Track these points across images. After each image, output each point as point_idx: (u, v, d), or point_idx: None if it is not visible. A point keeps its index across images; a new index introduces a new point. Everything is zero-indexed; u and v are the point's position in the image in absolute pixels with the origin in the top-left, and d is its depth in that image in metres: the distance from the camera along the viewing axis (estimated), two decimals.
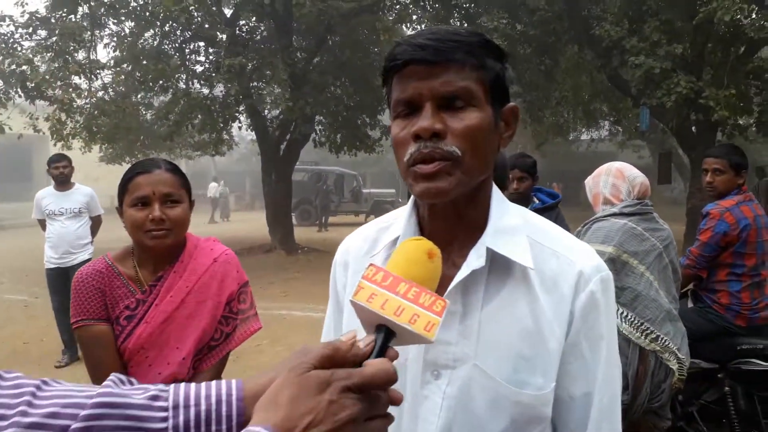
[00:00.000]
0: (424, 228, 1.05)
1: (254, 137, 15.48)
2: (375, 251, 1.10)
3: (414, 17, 14.39)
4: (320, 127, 15.50)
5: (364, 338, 0.76)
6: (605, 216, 2.86)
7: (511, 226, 1.01)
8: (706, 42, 10.78)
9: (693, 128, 11.46)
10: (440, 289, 0.90)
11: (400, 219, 1.09)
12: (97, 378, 1.81)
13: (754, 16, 10.08)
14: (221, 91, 13.93)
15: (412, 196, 1.10)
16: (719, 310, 3.38)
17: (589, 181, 3.06)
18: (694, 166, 11.69)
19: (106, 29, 14.22)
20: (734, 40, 10.75)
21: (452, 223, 1.01)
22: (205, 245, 1.97)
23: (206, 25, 13.65)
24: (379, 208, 23.38)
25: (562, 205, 3.69)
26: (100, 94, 14.01)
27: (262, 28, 14.89)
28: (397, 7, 14.22)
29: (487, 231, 0.99)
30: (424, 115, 0.92)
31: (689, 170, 12.94)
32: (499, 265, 0.98)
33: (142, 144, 16.67)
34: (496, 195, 1.04)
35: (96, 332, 1.81)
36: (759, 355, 3.23)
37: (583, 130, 21.56)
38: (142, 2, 13.25)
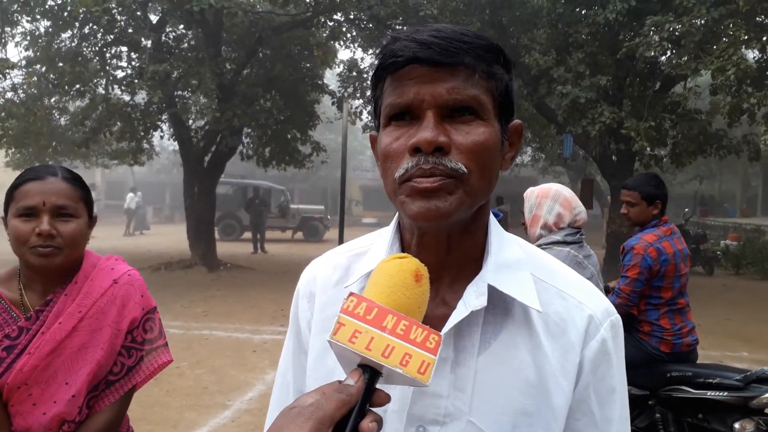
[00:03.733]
0: None
1: (176, 147, 14.88)
2: (348, 282, 0.93)
3: (348, 35, 14.36)
4: (248, 140, 15.13)
5: (350, 374, 0.68)
6: (548, 244, 2.82)
7: (513, 261, 0.87)
8: (626, 76, 11.35)
9: (613, 157, 12.00)
10: None
11: (378, 245, 0.94)
12: None
13: (669, 54, 10.74)
14: (143, 99, 13.37)
15: (394, 220, 0.94)
16: (643, 337, 3.45)
17: (531, 198, 2.96)
18: (613, 193, 12.22)
19: (19, 27, 13.34)
20: (651, 76, 11.39)
21: (443, 254, 0.86)
22: (105, 265, 1.70)
23: (130, 30, 13.05)
24: (307, 224, 23.13)
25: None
26: (9, 95, 13.15)
27: (190, 36, 14.43)
28: (331, 24, 14.15)
29: (487, 265, 0.85)
30: (425, 125, 0.77)
31: (605, 196, 13.51)
32: (496, 305, 0.84)
33: (54, 150, 15.67)
34: (494, 223, 0.90)
35: None
36: (688, 382, 3.28)
37: None
38: (60, 1, 12.51)
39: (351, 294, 0.71)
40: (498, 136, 0.83)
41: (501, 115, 0.84)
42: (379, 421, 0.66)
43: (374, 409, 0.68)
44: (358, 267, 0.94)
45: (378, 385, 0.69)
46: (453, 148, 0.78)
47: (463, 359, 0.82)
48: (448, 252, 0.86)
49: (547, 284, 0.88)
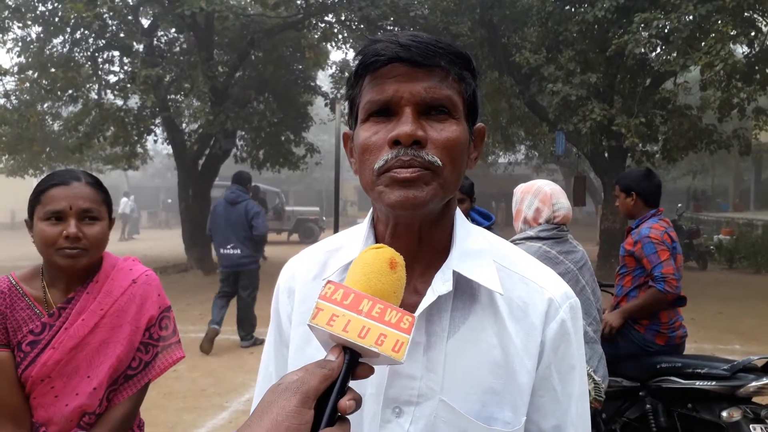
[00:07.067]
0: None
1: (170, 151, 14.89)
2: (325, 275, 0.98)
3: (339, 37, 14.41)
4: (242, 142, 15.16)
5: (331, 351, 0.73)
6: (521, 239, 2.87)
7: (477, 250, 0.94)
8: (616, 73, 11.42)
9: (605, 153, 12.06)
10: None
11: (353, 240, 1.00)
12: None
13: (658, 50, 10.80)
14: (136, 103, 13.38)
15: (368, 215, 0.99)
16: (640, 329, 3.49)
17: (517, 193, 3.04)
18: (606, 189, 12.29)
19: (10, 33, 13.33)
20: (641, 72, 11.46)
21: (414, 245, 0.92)
22: (124, 265, 1.80)
23: (121, 34, 13.07)
24: (302, 226, 23.08)
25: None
26: (2, 101, 13.15)
27: (182, 40, 14.45)
28: (322, 25, 14.20)
29: (452, 254, 0.91)
30: (404, 119, 0.83)
31: (598, 193, 13.57)
32: (464, 292, 0.91)
33: (47, 156, 15.66)
34: (459, 216, 0.97)
35: None
36: (677, 373, 3.33)
37: (501, 153, 22.28)
38: (51, 7, 12.51)
39: (329, 282, 0.76)
40: (467, 135, 0.89)
41: (468, 116, 0.91)
42: (358, 400, 0.71)
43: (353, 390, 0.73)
44: (334, 261, 0.99)
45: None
46: (429, 143, 0.84)
47: (434, 343, 0.88)
48: (419, 243, 0.92)
49: (510, 271, 0.94)
